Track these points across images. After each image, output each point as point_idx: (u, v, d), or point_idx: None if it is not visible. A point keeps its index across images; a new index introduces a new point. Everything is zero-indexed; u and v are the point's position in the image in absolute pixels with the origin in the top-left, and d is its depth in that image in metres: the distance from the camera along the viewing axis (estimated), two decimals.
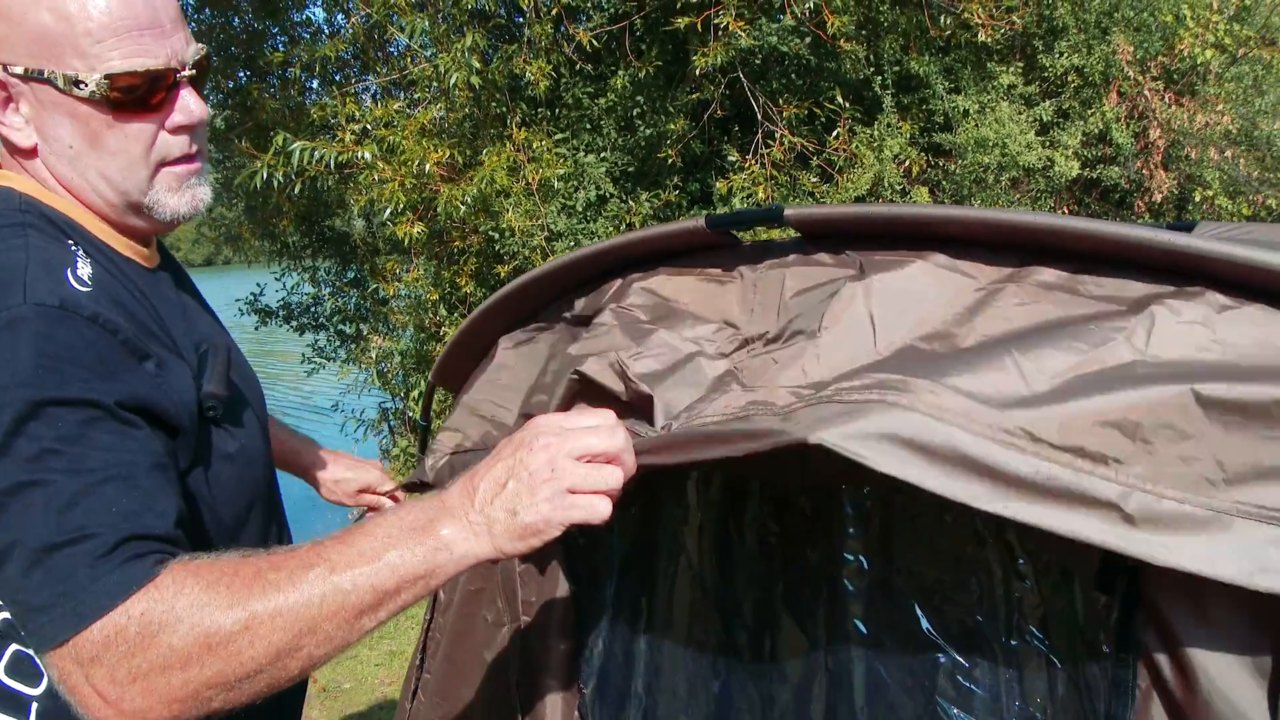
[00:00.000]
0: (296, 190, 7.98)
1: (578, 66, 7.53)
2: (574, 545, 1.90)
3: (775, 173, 6.89)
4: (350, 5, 8.63)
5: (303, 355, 10.00)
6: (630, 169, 7.81)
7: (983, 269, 1.34)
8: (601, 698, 1.92)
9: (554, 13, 6.96)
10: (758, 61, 7.14)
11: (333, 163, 7.45)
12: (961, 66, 7.67)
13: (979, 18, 6.74)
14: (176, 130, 1.40)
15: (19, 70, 1.30)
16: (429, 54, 7.48)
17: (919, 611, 1.48)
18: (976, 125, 7.15)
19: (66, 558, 1.11)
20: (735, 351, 1.55)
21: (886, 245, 1.42)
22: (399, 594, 1.18)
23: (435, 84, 7.51)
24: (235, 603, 1.12)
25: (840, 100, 7.05)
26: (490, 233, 7.40)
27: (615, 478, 1.21)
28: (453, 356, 2.14)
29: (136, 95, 1.34)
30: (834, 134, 7.15)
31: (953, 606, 1.46)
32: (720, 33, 6.36)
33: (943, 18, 6.77)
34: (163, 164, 1.40)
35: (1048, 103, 7.52)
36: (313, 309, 9.91)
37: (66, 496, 1.13)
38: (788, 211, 1.46)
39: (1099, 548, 1.17)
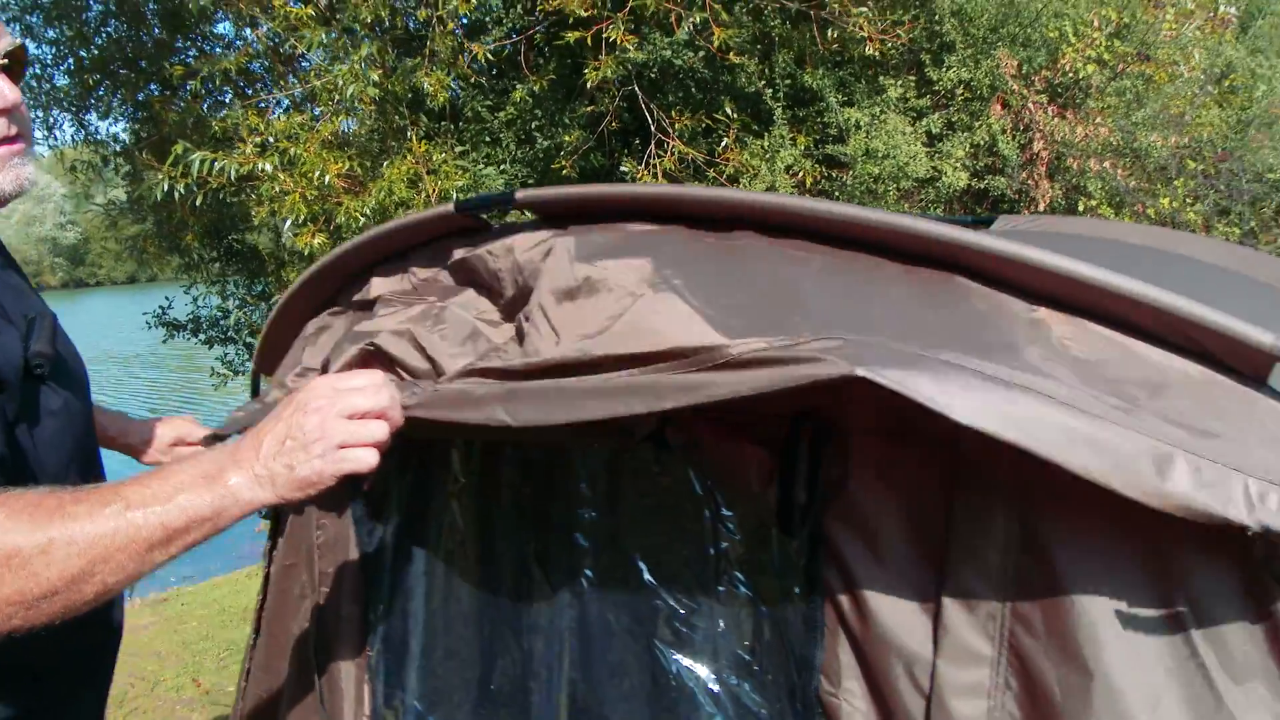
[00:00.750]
0: (199, 202, 7.98)
1: (474, 80, 7.61)
2: (360, 516, 2.00)
3: (666, 182, 7.01)
4: (258, 20, 8.65)
5: (211, 369, 9.97)
6: (530, 181, 7.90)
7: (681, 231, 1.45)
8: (385, 660, 2.01)
9: (449, 28, 7.03)
10: (653, 75, 7.26)
11: (233, 174, 7.48)
12: (855, 80, 7.86)
13: (866, 32, 6.93)
14: None
15: None
16: (330, 67, 7.53)
17: (640, 563, 1.58)
18: (868, 137, 7.32)
19: None
20: (500, 321, 1.67)
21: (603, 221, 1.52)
22: (188, 532, 1.30)
23: (337, 96, 7.56)
24: (36, 528, 1.22)
25: (728, 112, 7.20)
26: None
27: (381, 431, 1.37)
28: (267, 343, 2.22)
29: None
30: (722, 145, 7.30)
31: (670, 557, 1.57)
32: (610, 47, 6.48)
33: (830, 31, 6.94)
34: None
35: (936, 115, 7.72)
36: (221, 322, 9.88)
37: None
38: (518, 194, 1.57)
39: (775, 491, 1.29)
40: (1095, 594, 1.19)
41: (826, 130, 7.73)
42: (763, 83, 7.28)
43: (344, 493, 1.94)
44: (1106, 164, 7.48)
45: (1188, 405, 1.11)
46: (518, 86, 7.46)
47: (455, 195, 7.54)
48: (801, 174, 7.55)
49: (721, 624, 1.54)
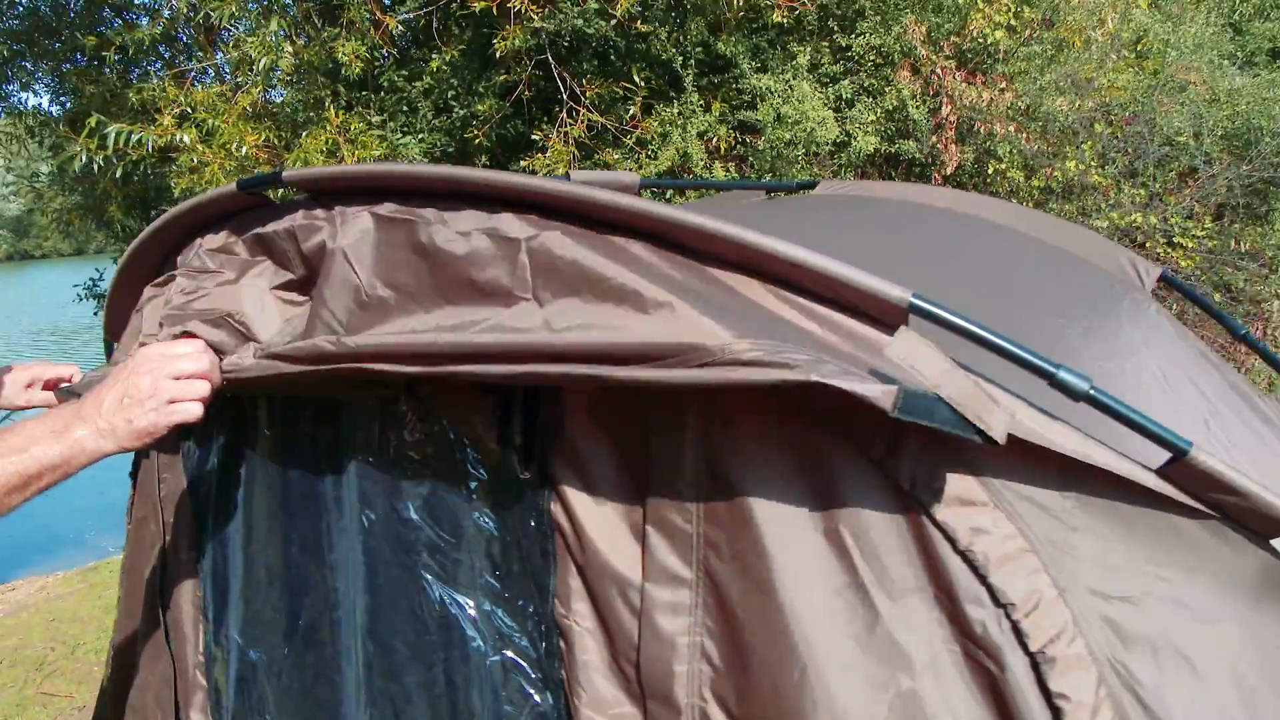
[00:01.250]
0: (118, 175, 8.01)
1: (388, 51, 7.67)
2: (191, 468, 2.13)
3: (576, 150, 7.11)
4: None
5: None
6: (449, 149, 7.98)
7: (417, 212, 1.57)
8: (214, 600, 2.14)
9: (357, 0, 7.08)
10: (566, 43, 7.33)
11: (151, 146, 7.52)
12: (770, 47, 7.96)
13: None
14: None
15: None
16: (245, 38, 7.57)
17: (409, 503, 1.72)
18: (780, 103, 7.43)
19: None
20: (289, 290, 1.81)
21: (361, 200, 1.63)
22: (41, 478, 1.57)
23: (254, 68, 7.60)
24: None
25: (636, 80, 7.30)
26: None
27: (204, 389, 1.67)
28: (110, 311, 2.33)
29: None
30: (629, 113, 7.40)
31: (434, 497, 1.70)
32: (517, 17, 6.56)
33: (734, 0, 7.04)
34: None
35: (847, 81, 7.84)
36: None
37: None
38: (285, 174, 1.69)
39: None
40: (768, 520, 1.33)
41: (741, 96, 7.83)
42: (674, 50, 7.36)
43: (174, 443, 2.12)
44: (1012, 128, 7.64)
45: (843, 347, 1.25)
46: (434, 57, 7.52)
47: (370, 162, 7.62)
48: (715, 140, 7.67)
49: (475, 557, 1.68)
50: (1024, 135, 7.64)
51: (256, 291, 1.82)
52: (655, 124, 7.26)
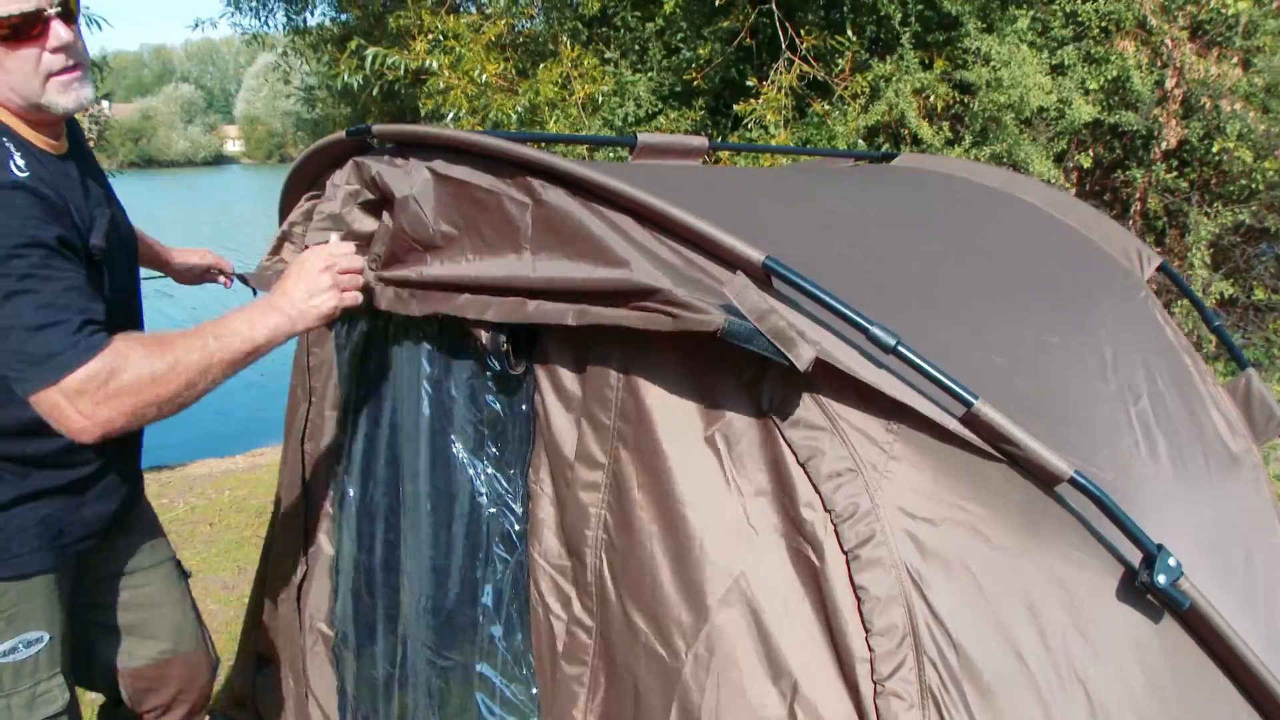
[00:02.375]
0: (376, 92, 8.79)
1: None
2: (340, 344, 2.65)
3: (785, 99, 7.37)
4: None
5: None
6: (676, 89, 8.37)
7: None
8: (348, 456, 2.67)
9: None
10: None
11: (404, 69, 8.22)
12: (998, 8, 7.94)
13: None
14: (55, 51, 1.99)
15: None
16: None
17: (451, 383, 2.21)
18: (995, 66, 7.45)
19: (53, 330, 1.82)
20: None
21: (439, 154, 2.05)
22: (254, 353, 2.02)
23: (503, 1, 8.20)
24: (163, 356, 1.89)
25: (849, 33, 7.47)
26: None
27: (359, 281, 2.16)
28: (282, 209, 2.86)
29: (19, 31, 1.93)
30: (838, 69, 7.59)
31: (467, 381, 2.17)
32: None
33: None
34: (50, 75, 2.00)
35: (1071, 47, 7.75)
36: None
37: (49, 296, 1.84)
38: (375, 127, 2.14)
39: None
40: (663, 423, 1.67)
41: (965, 55, 7.85)
42: (894, 6, 7.48)
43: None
44: (1239, 105, 7.41)
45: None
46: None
47: (599, 99, 8.12)
48: (933, 98, 7.75)
49: (486, 430, 2.14)
50: (1251, 115, 7.39)
51: (361, 213, 2.30)
52: (863, 80, 7.43)
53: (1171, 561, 1.41)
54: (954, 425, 1.47)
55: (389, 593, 2.51)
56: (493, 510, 2.13)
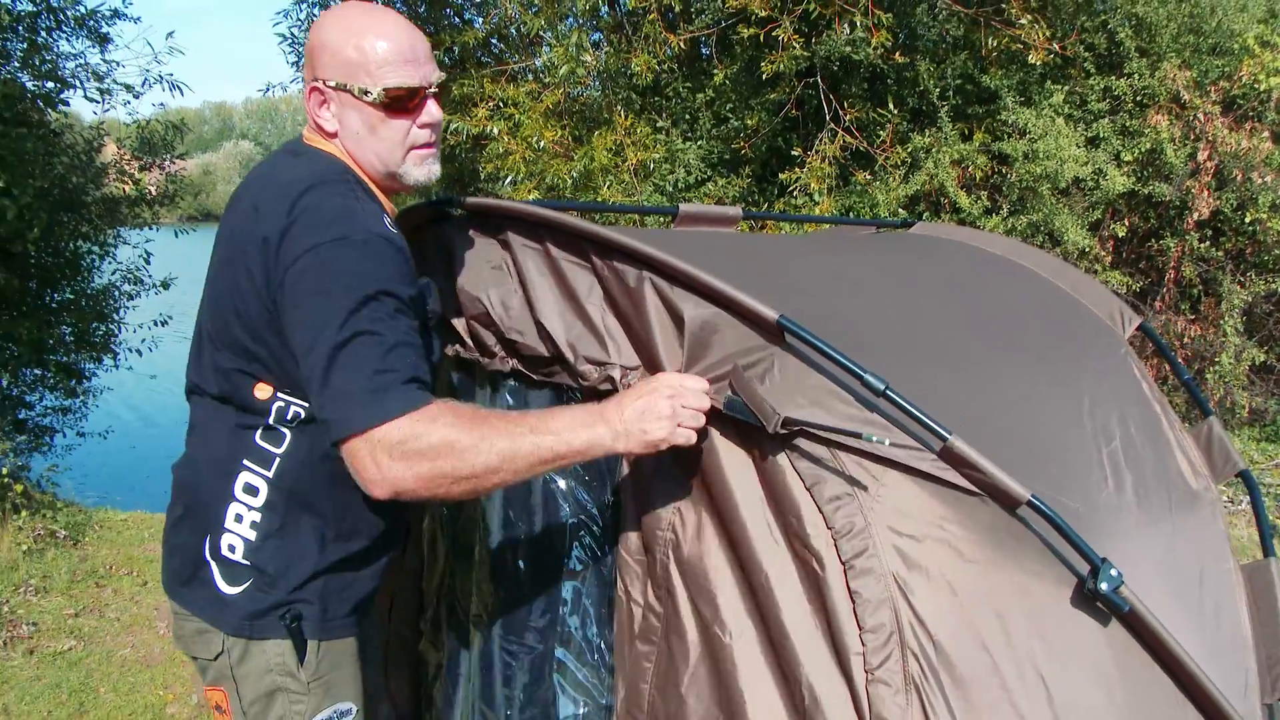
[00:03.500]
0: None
1: (672, 66, 8.48)
2: None
3: (827, 168, 7.72)
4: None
5: None
6: (725, 156, 8.75)
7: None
8: None
9: (653, 18, 7.93)
10: (835, 68, 7.94)
11: (465, 134, 8.66)
12: (1036, 84, 8.27)
13: (1032, 40, 7.39)
14: (423, 126, 2.05)
15: (332, 83, 2.00)
16: (554, 44, 8.59)
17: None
18: (1031, 139, 7.76)
19: (383, 378, 1.78)
20: None
21: (524, 230, 2.35)
22: (565, 458, 1.86)
23: (560, 73, 8.62)
24: (473, 431, 1.78)
25: (891, 106, 7.82)
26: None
27: (699, 421, 1.90)
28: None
29: (400, 102, 2.00)
30: (879, 139, 7.93)
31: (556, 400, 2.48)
32: (781, 45, 7.26)
33: (990, 39, 7.44)
34: (412, 147, 2.05)
35: (1106, 120, 8.05)
36: None
37: (388, 346, 1.80)
38: (467, 200, 2.40)
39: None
40: (723, 446, 2.01)
41: (1003, 128, 8.16)
42: (931, 82, 7.83)
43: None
44: (1270, 178, 7.66)
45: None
46: (716, 71, 8.29)
47: (651, 165, 8.51)
48: (971, 168, 8.06)
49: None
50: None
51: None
52: (903, 151, 7.77)
53: (1113, 572, 1.69)
54: (927, 463, 1.77)
55: (476, 590, 2.82)
56: (573, 521, 2.45)
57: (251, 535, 2.04)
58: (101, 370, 10.91)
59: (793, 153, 8.12)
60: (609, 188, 8.33)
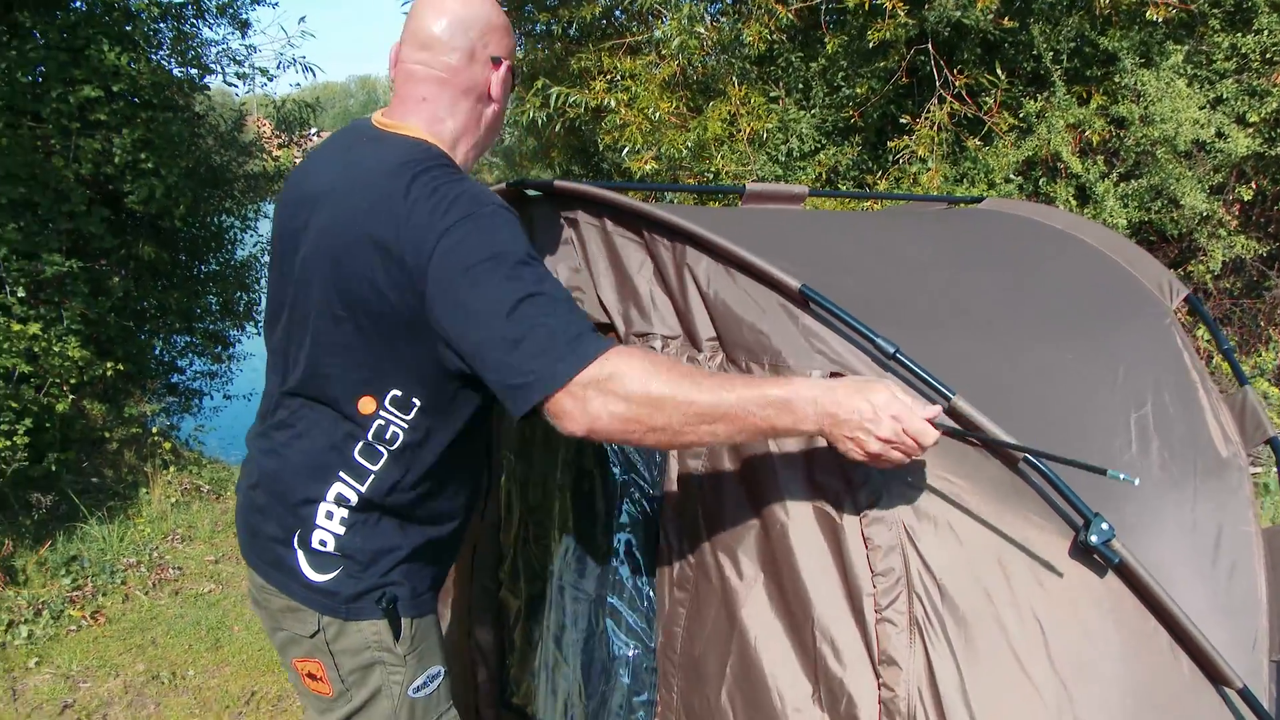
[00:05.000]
0: (558, 128, 9.50)
1: (779, 37, 8.53)
2: None
3: (939, 135, 7.72)
4: None
5: None
6: (838, 124, 8.79)
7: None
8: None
9: None
10: (947, 33, 7.89)
11: (584, 106, 8.89)
12: (1157, 44, 8.06)
13: None
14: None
15: (508, 62, 2.15)
16: (670, 14, 8.74)
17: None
18: (1155, 99, 7.58)
19: (574, 328, 1.78)
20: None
21: (589, 209, 2.54)
22: (759, 434, 1.79)
23: (674, 43, 8.77)
24: (671, 381, 1.73)
25: (998, 72, 7.76)
26: (705, 174, 8.60)
27: (903, 460, 1.78)
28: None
29: (515, 78, 2.22)
30: (988, 105, 7.87)
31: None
32: (887, 13, 7.30)
33: None
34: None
35: (1231, 79, 7.82)
36: None
37: (559, 300, 1.81)
38: (557, 183, 2.60)
39: None
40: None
41: (1122, 90, 7.99)
42: (1044, 44, 7.72)
43: None
44: None
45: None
46: (828, 40, 8.33)
47: (764, 135, 8.61)
48: (1088, 132, 7.91)
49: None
50: None
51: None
52: (1011, 116, 7.71)
53: (1104, 525, 1.82)
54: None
55: (543, 545, 3.06)
56: (625, 478, 2.67)
57: (341, 530, 2.09)
58: (245, 337, 11.51)
59: (901, 120, 8.13)
60: (723, 158, 8.46)
